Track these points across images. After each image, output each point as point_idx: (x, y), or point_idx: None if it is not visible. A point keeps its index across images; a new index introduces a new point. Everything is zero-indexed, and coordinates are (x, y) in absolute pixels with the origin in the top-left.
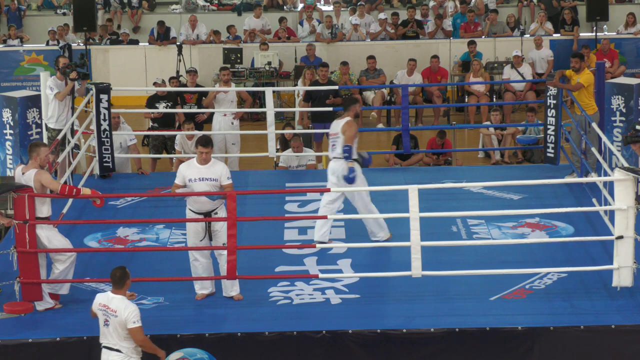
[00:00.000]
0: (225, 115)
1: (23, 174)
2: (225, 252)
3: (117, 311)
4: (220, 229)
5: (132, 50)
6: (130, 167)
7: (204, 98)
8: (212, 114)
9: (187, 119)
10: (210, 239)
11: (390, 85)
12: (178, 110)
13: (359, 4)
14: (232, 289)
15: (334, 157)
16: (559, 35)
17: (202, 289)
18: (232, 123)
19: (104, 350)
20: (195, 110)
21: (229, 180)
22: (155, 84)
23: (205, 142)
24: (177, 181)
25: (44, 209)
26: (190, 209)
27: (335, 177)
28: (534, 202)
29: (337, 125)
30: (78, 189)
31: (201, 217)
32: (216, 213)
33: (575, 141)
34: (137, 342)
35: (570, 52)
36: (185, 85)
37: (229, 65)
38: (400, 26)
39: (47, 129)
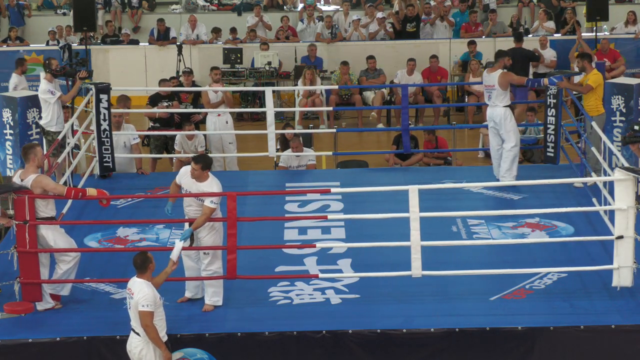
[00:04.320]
0: (219, 115)
1: (22, 180)
2: (207, 259)
3: (134, 293)
4: (204, 237)
5: (132, 50)
6: (135, 167)
7: (200, 98)
8: (205, 114)
9: (186, 120)
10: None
11: (391, 85)
12: (174, 110)
13: (368, 5)
14: (209, 298)
15: (491, 105)
16: (559, 35)
17: (186, 291)
18: (227, 122)
19: (130, 333)
20: (190, 110)
21: (212, 204)
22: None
23: (196, 160)
24: (177, 180)
25: (48, 209)
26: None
27: (493, 122)
28: (534, 202)
29: (491, 79)
30: (84, 190)
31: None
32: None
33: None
34: (142, 326)
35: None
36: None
37: (219, 66)
38: (402, 23)
39: (46, 132)
